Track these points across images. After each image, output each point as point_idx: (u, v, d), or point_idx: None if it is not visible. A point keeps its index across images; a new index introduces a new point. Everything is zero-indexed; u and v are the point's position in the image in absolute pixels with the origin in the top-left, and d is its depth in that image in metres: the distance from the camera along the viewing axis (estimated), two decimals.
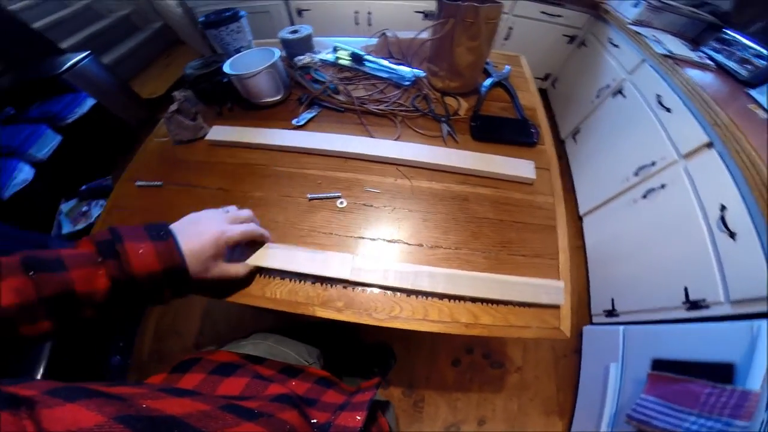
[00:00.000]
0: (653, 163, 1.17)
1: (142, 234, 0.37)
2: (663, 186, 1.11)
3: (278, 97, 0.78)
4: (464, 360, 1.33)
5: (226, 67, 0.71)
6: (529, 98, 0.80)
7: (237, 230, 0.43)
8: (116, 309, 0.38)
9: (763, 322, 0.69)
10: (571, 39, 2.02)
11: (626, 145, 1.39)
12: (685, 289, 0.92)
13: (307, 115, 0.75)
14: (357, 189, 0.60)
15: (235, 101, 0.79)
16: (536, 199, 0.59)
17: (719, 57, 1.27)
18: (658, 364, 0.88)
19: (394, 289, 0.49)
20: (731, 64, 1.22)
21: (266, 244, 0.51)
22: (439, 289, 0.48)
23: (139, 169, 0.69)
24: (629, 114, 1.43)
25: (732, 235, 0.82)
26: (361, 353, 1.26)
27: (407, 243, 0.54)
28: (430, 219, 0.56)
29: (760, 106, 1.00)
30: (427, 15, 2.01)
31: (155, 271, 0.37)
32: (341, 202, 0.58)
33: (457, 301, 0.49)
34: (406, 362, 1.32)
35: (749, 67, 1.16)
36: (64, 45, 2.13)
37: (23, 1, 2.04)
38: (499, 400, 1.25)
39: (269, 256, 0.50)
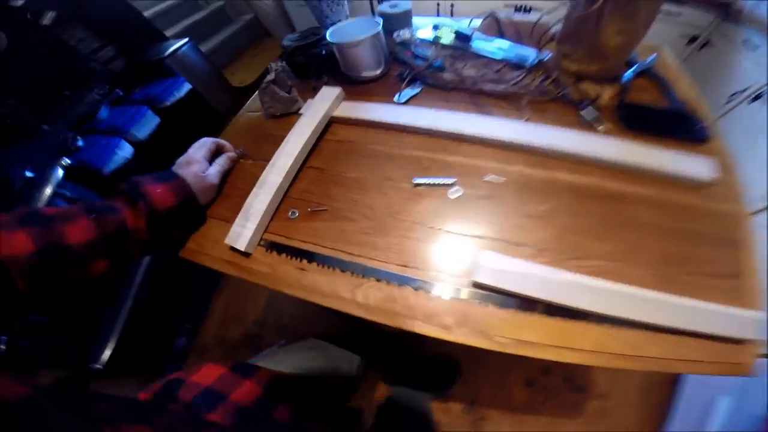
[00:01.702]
0: None
1: (156, 178, 0.45)
2: None
3: (378, 72, 0.69)
4: (540, 381, 1.16)
5: (329, 35, 0.64)
6: (685, 91, 0.62)
7: (215, 171, 0.52)
8: (151, 248, 0.45)
9: None
10: (692, 40, 1.70)
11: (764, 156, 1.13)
12: None
13: (409, 92, 0.65)
14: (474, 177, 0.49)
15: (331, 75, 0.72)
16: (716, 206, 0.44)
17: None
18: None
19: (531, 301, 0.37)
20: None
21: None
22: (599, 309, 0.35)
23: (229, 141, 0.64)
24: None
25: None
26: (421, 365, 1.16)
27: (542, 249, 0.41)
28: (574, 221, 0.43)
29: None
30: (519, 8, 1.82)
31: (173, 205, 0.44)
32: (456, 191, 0.47)
33: (608, 324, 0.36)
34: (471, 377, 1.18)
35: None
36: (167, 34, 2.28)
37: None
38: (571, 426, 1.08)
39: None
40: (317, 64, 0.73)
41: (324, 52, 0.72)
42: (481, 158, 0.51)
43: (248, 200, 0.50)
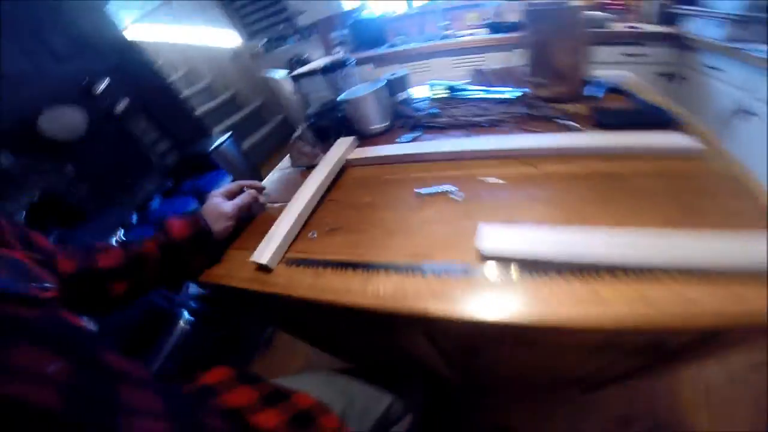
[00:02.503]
0: None
1: (180, 215, 0.55)
2: None
3: (385, 124, 0.79)
4: None
5: (342, 96, 0.77)
6: (653, 97, 0.67)
7: (231, 203, 0.59)
8: (172, 275, 0.54)
9: None
10: (670, 76, 1.81)
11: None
12: None
13: (410, 135, 0.73)
14: (474, 182, 0.53)
15: (347, 133, 0.83)
16: (712, 166, 0.45)
17: None
18: None
19: (545, 265, 0.37)
20: None
21: None
22: (617, 255, 0.34)
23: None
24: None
25: None
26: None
27: (555, 222, 0.42)
28: (581, 198, 0.45)
29: None
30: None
31: (188, 234, 0.53)
32: (458, 194, 0.51)
33: (631, 274, 0.34)
34: None
35: None
36: (215, 130, 2.52)
37: (187, 91, 2.52)
38: None
39: None
40: (335, 125, 0.84)
41: (340, 115, 0.84)
42: (478, 168, 0.55)
43: (272, 228, 0.55)
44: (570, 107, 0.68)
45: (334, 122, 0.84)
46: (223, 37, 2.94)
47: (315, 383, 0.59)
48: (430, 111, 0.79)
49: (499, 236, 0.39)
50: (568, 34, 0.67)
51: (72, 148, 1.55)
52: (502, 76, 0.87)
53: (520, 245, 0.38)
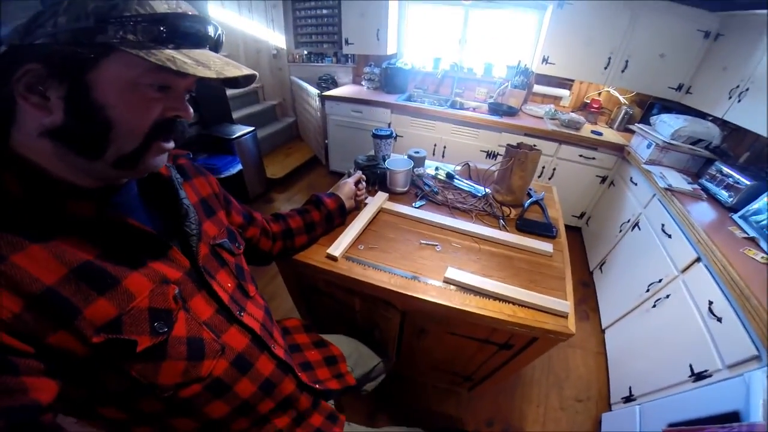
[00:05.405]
0: (660, 280, 1.51)
1: (327, 195, 1.04)
2: (668, 296, 1.43)
3: (404, 189, 1.36)
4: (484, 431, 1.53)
5: (388, 164, 1.32)
6: (554, 213, 1.31)
7: (351, 186, 1.13)
8: (321, 233, 1.04)
9: (752, 372, 0.92)
10: (603, 179, 2.51)
11: (639, 269, 1.74)
12: (690, 366, 1.16)
13: (420, 203, 1.30)
14: (448, 244, 1.10)
15: (380, 186, 1.38)
16: (553, 263, 1.05)
17: (710, 186, 1.62)
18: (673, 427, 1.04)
19: (468, 288, 0.94)
20: (719, 192, 1.56)
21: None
22: (499, 291, 0.92)
23: None
24: (642, 243, 1.81)
25: (719, 319, 1.13)
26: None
27: (474, 271, 1.00)
28: (488, 264, 1.03)
29: (738, 226, 1.38)
30: (488, 154, 2.68)
31: (335, 207, 1.03)
32: (439, 248, 1.08)
33: (503, 302, 0.91)
34: None
35: (732, 194, 1.49)
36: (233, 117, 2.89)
37: None
38: None
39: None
40: (375, 176, 1.38)
41: (379, 172, 1.38)
42: (451, 237, 1.13)
43: (339, 238, 1.08)
44: (508, 210, 1.30)
45: (375, 175, 1.38)
46: (270, 35, 3.42)
47: (341, 340, 1.05)
48: (434, 190, 1.37)
49: (454, 273, 0.97)
50: (523, 167, 1.27)
51: None
52: (481, 175, 1.47)
53: (462, 279, 0.95)
